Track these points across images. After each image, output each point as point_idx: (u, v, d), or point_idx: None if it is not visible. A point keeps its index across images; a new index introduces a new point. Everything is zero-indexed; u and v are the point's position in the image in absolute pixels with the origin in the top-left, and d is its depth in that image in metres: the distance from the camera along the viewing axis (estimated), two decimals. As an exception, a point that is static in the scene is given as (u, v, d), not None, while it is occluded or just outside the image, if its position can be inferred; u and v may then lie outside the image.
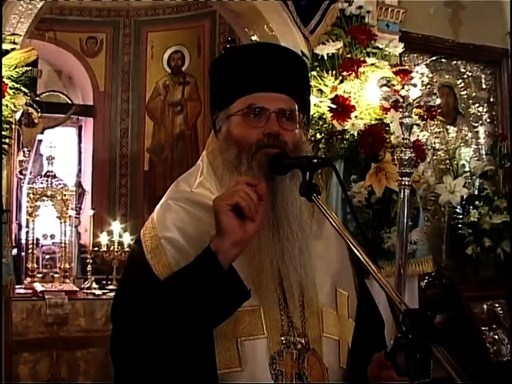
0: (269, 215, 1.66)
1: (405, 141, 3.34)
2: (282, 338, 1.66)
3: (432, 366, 1.30)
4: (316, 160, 1.61)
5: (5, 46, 3.79)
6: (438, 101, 4.59)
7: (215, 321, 1.58)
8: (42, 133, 8.83)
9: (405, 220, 3.21)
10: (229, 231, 1.53)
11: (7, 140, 3.79)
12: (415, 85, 3.54)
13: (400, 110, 3.37)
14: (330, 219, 1.54)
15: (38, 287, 6.43)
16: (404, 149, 3.29)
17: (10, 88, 3.69)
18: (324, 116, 4.11)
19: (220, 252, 1.53)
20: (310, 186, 1.59)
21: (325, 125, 4.12)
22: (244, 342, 1.64)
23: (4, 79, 3.66)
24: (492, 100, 5.44)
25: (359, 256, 1.47)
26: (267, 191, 1.63)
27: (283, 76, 1.77)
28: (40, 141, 8.74)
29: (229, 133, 1.75)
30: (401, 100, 3.33)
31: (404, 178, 3.28)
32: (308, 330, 1.70)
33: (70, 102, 9.88)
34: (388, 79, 3.59)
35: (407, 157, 3.27)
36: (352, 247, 1.48)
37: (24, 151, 8.28)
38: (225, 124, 1.77)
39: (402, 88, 3.80)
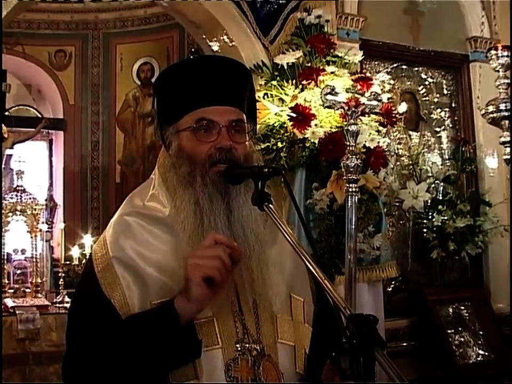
0: (225, 230, 1.67)
1: (350, 148, 3.35)
2: (238, 345, 1.67)
3: (377, 370, 1.32)
4: (266, 170, 1.63)
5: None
6: (404, 109, 4.62)
7: (165, 370, 1.60)
8: (12, 147, 8.80)
9: (353, 226, 3.21)
10: (199, 300, 1.55)
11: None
12: (363, 93, 3.56)
13: (346, 117, 3.39)
14: (281, 228, 1.56)
15: (9, 302, 6.39)
16: (350, 156, 3.30)
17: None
18: (285, 125, 4.12)
19: (182, 314, 1.55)
20: (261, 195, 1.61)
21: (286, 134, 4.13)
22: None
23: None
24: (453, 105, 5.47)
25: (306, 263, 1.49)
26: (223, 207, 1.67)
27: (230, 87, 1.77)
28: (10, 155, 8.70)
29: (181, 148, 1.75)
30: (346, 108, 3.34)
31: (350, 185, 3.28)
32: (262, 337, 1.70)
33: (40, 115, 9.86)
34: (331, 87, 3.59)
35: (353, 164, 3.27)
36: (300, 254, 1.51)
37: (-7, 166, 8.22)
38: (176, 138, 1.76)
39: (362, 95, 3.83)
